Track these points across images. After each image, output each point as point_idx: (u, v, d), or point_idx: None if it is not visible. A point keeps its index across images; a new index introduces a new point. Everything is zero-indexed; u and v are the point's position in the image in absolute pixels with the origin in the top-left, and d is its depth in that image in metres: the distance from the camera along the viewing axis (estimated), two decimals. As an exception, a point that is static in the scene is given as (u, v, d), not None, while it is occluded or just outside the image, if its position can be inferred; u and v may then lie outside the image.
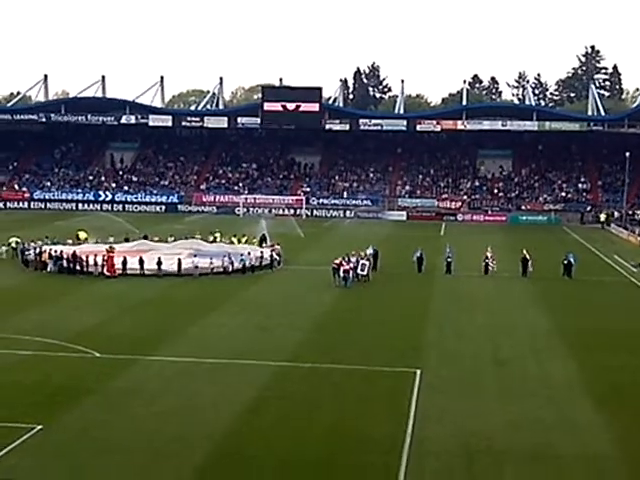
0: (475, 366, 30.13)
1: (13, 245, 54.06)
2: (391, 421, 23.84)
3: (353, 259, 47.30)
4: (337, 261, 46.27)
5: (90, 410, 24.58)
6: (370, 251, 50.96)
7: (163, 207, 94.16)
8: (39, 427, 22.74)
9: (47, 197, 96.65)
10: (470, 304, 41.87)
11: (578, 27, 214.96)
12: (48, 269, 49.12)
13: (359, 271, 46.87)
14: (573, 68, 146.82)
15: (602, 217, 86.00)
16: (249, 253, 51.17)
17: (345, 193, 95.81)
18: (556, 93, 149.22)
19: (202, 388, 26.74)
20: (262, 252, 52.63)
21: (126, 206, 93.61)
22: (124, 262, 48.06)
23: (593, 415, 24.88)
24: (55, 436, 22.42)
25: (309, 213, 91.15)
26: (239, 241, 57.27)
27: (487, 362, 30.78)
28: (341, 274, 45.50)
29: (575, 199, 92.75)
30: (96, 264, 48.07)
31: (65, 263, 48.84)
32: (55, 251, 49.83)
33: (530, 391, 27.17)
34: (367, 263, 47.62)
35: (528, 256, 50.55)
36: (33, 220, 77.43)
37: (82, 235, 57.36)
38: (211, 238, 58.41)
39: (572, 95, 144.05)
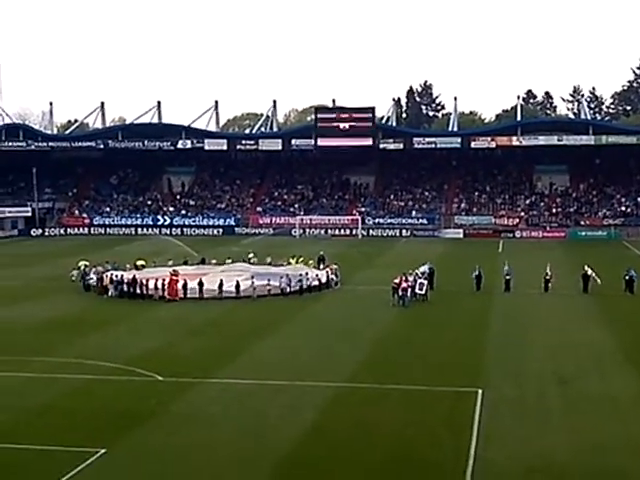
0: (538, 385, 29.75)
1: (82, 268, 54.79)
2: (453, 443, 23.60)
3: (411, 278, 47.10)
4: (397, 280, 46.13)
5: (153, 434, 24.78)
6: (425, 269, 50.63)
7: (220, 230, 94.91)
8: (103, 451, 22.98)
9: (107, 222, 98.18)
10: (530, 322, 41.38)
11: (633, 39, 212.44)
12: (109, 294, 49.76)
13: (417, 290, 46.64)
14: (628, 81, 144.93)
15: None
16: (307, 273, 51.27)
17: (401, 212, 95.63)
18: (612, 106, 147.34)
19: (263, 410, 26.78)
20: (318, 273, 52.68)
21: (184, 230, 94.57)
22: (184, 285, 48.45)
23: (660, 434, 24.37)
24: (119, 460, 22.64)
25: (365, 233, 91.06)
26: (297, 262, 57.35)
27: (550, 381, 30.35)
28: (400, 293, 45.36)
29: (635, 213, 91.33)
30: (156, 288, 48.54)
31: (125, 287, 49.44)
32: (116, 276, 50.47)
33: (594, 410, 26.70)
34: (425, 282, 47.36)
35: (590, 271, 49.84)
36: (93, 245, 78.65)
37: (140, 263, 57.91)
38: (248, 258, 58.98)
39: (628, 108, 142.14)
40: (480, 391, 28.51)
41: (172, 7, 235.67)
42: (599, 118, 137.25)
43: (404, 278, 46.43)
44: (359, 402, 27.88)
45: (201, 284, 48.71)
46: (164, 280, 48.82)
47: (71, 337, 38.17)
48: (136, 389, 29.69)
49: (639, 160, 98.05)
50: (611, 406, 27.14)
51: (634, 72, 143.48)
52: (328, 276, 52.40)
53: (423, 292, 46.73)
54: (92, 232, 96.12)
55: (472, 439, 23.78)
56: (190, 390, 29.29)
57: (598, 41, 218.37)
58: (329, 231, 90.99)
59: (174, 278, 48.77)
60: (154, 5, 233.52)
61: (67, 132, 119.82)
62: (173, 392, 29.03)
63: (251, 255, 59.95)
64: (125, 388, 29.82)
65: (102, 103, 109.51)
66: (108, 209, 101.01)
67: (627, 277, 49.73)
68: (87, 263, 55.27)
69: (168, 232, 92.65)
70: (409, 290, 45.62)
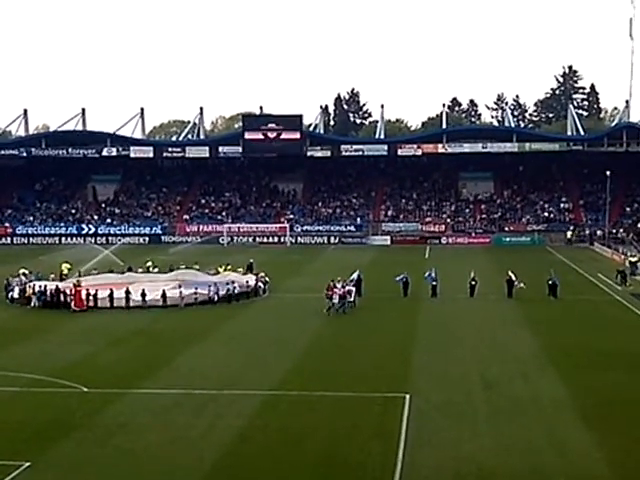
0: (464, 389, 30.10)
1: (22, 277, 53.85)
2: (381, 448, 23.73)
3: (339, 285, 47.23)
4: (326, 288, 46.20)
5: (79, 446, 24.35)
6: (354, 276, 50.88)
7: (147, 238, 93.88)
8: (27, 464, 22.53)
9: (30, 232, 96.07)
10: (457, 327, 41.90)
11: (555, 48, 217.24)
12: (32, 304, 48.82)
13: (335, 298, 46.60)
14: (551, 89, 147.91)
15: (568, 234, 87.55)
16: (234, 282, 51.03)
17: (329, 219, 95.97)
18: (535, 114, 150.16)
19: (190, 420, 26.56)
20: (247, 280, 52.51)
21: (109, 238, 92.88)
22: (93, 295, 47.81)
23: (583, 435, 24.86)
24: (43, 473, 22.22)
25: (293, 240, 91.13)
26: (225, 270, 56.98)
27: (476, 385, 30.75)
28: (336, 300, 45.34)
29: (558, 219, 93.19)
30: (81, 298, 47.81)
31: (49, 298, 48.60)
32: (39, 286, 49.58)
33: (520, 413, 27.13)
34: (353, 289, 47.54)
35: (514, 277, 50.68)
36: (17, 255, 77.00)
37: (65, 267, 57.12)
38: (146, 267, 58.91)
39: (551, 116, 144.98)
40: (408, 396, 28.72)
41: (96, 12, 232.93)
42: (522, 126, 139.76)
43: (332, 285, 46.54)
44: (288, 409, 27.86)
45: (128, 293, 48.15)
46: (71, 290, 48.08)
47: (-7, 349, 37.33)
48: (61, 401, 29.14)
49: (562, 167, 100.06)
50: (536, 408, 27.61)
51: (557, 80, 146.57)
52: (257, 283, 52.27)
53: (351, 299, 46.86)
54: (14, 242, 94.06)
55: (400, 444, 23.93)
56: (116, 401, 28.88)
57: (522, 50, 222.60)
58: (257, 239, 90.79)
59: (78, 289, 48.10)
60: (77, 10, 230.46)
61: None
62: (99, 403, 28.59)
63: (150, 264, 59.55)
64: (49, 400, 29.24)
65: (25, 110, 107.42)
66: (31, 218, 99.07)
67: (550, 282, 50.72)
68: (25, 271, 54.32)
69: (93, 241, 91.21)
70: (337, 297, 45.67)
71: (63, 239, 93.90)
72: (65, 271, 57.11)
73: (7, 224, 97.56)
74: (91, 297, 47.95)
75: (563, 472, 22.02)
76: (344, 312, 45.23)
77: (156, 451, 23.76)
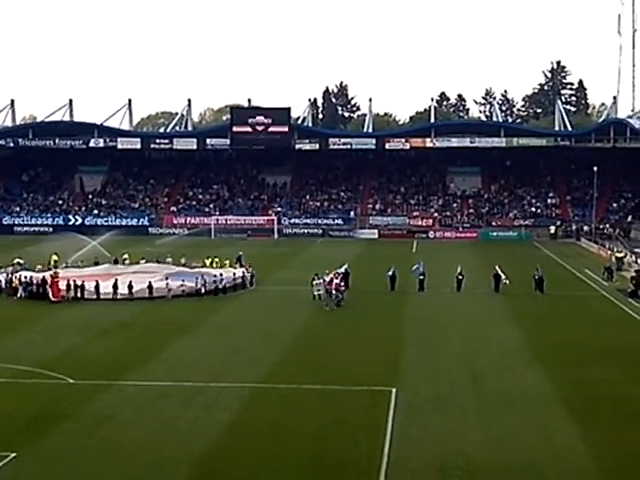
0: (451, 383, 30.16)
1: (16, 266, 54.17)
2: (368, 441, 23.71)
3: (327, 278, 47.21)
4: (327, 279, 46.22)
5: (65, 437, 24.28)
6: (342, 270, 50.83)
7: (133, 230, 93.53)
8: (13, 455, 22.43)
9: (16, 222, 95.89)
10: (444, 321, 41.97)
11: (544, 43, 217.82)
12: (18, 295, 48.64)
13: (333, 290, 46.71)
14: (539, 84, 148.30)
15: (552, 229, 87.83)
16: (221, 274, 50.96)
17: (317, 212, 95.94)
18: (523, 109, 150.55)
19: (178, 412, 26.50)
20: (234, 273, 52.45)
21: (96, 230, 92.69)
22: (70, 286, 47.78)
23: (569, 428, 24.95)
24: (29, 464, 22.12)
25: (281, 233, 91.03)
26: (211, 263, 56.85)
27: (463, 378, 30.80)
28: (333, 292, 45.30)
29: (545, 214, 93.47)
30: (69, 289, 47.73)
31: (35, 288, 48.45)
32: (25, 277, 49.41)
33: (506, 406, 27.20)
34: (341, 283, 47.42)
35: (500, 272, 50.80)
36: (3, 246, 76.66)
37: (54, 258, 57.03)
38: (122, 259, 58.84)
39: (539, 111, 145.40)
40: (394, 390, 28.74)
41: (85, 3, 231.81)
42: (510, 120, 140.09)
43: (318, 276, 46.52)
44: (275, 402, 27.83)
45: (116, 285, 48.06)
46: (75, 281, 48.09)
47: (-21, 340, 37.17)
48: (47, 392, 29.03)
49: (549, 162, 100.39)
50: (523, 402, 27.68)
51: (545, 75, 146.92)
52: (244, 275, 52.23)
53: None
54: (1, 232, 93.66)
55: (387, 438, 23.94)
56: (103, 392, 28.79)
57: (510, 45, 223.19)
58: (245, 232, 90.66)
59: (55, 280, 48.13)
60: (67, 1, 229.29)
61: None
62: (86, 395, 28.50)
63: (126, 257, 59.42)
64: (35, 391, 29.11)
65: (12, 101, 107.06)
66: (18, 209, 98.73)
67: (537, 277, 50.86)
68: (20, 262, 54.24)
69: (79, 232, 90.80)
70: (323, 289, 45.59)
71: (49, 229, 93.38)
72: (53, 262, 56.92)
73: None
74: (78, 289, 47.84)
75: (550, 465, 22.10)
76: (339, 305, 44.99)
77: (143, 443, 23.70)
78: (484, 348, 35.81)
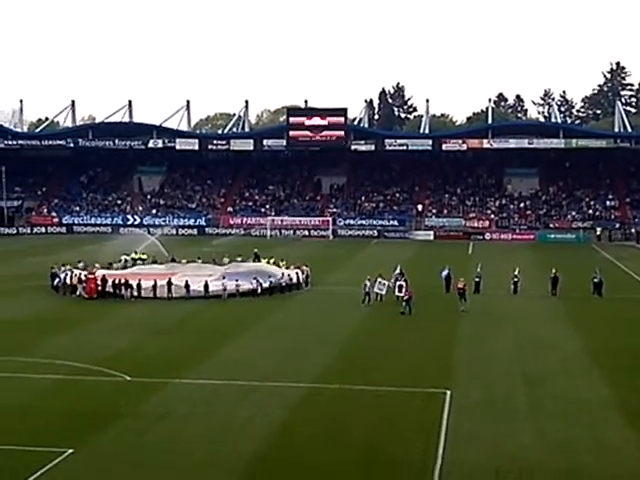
0: (505, 386, 29.93)
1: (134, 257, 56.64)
2: (422, 443, 23.69)
3: (385, 280, 46.99)
4: (460, 285, 45.93)
5: (121, 434, 24.64)
6: (397, 271, 50.58)
7: (191, 230, 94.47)
8: (70, 451, 22.83)
9: (76, 222, 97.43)
10: (499, 324, 41.63)
11: (603, 44, 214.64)
12: (77, 293, 49.40)
13: (396, 292, 46.40)
14: (599, 85, 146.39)
15: (598, 231, 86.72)
16: (275, 275, 51.14)
17: (372, 213, 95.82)
18: (582, 110, 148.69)
19: (232, 411, 26.74)
20: (289, 274, 52.58)
21: (154, 229, 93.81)
22: (109, 284, 48.79)
23: (626, 435, 24.57)
24: (86, 460, 22.49)
25: (337, 233, 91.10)
26: (268, 262, 57.13)
27: (517, 382, 30.55)
28: (405, 298, 44.42)
29: (603, 216, 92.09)
30: (128, 287, 48.47)
31: (111, 288, 49.11)
32: (85, 275, 50.13)
33: (561, 411, 26.91)
34: (404, 284, 46.69)
35: (558, 275, 50.17)
36: (63, 245, 77.99)
37: (131, 257, 58.03)
38: (134, 256, 59.11)
39: (598, 112, 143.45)
40: (449, 392, 28.63)
41: (145, 6, 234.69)
42: (569, 122, 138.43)
43: (371, 280, 46.40)
44: (328, 402, 27.90)
45: (170, 284, 48.57)
46: (139, 280, 49.02)
47: (40, 337, 37.83)
48: (104, 389, 29.49)
49: (608, 164, 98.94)
50: (577, 408, 27.33)
51: (604, 76, 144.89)
52: (299, 277, 52.39)
53: (402, 294, 45.35)
54: (61, 231, 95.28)
55: (440, 439, 23.88)
56: (159, 391, 29.14)
57: (569, 45, 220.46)
58: (297, 232, 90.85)
59: (90, 277, 48.99)
60: (126, 4, 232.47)
61: (37, 130, 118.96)
62: (142, 393, 28.87)
63: (135, 255, 59.80)
64: (94, 388, 29.60)
65: (73, 101, 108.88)
66: (77, 208, 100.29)
67: (596, 280, 50.12)
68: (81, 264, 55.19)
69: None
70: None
71: (109, 229, 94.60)
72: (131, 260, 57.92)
73: (54, 214, 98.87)
74: (135, 287, 48.47)
75: (604, 471, 21.81)
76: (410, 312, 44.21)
77: (198, 441, 23.93)
78: (539, 352, 35.42)
